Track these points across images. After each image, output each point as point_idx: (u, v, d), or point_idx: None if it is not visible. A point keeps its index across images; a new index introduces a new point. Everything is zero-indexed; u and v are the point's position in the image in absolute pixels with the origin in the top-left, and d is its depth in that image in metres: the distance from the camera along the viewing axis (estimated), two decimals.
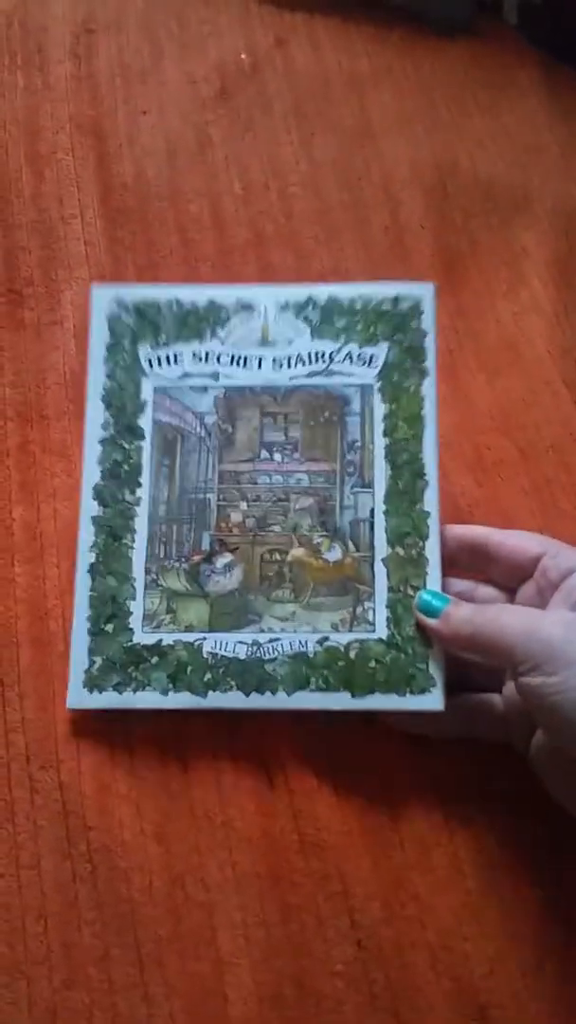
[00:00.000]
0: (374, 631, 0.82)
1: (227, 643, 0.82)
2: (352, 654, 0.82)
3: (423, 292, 0.91)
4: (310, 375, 0.88)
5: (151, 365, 0.90)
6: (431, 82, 0.96)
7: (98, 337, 0.90)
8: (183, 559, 0.85)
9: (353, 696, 0.80)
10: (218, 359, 0.89)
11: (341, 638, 0.82)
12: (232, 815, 0.71)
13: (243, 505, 0.86)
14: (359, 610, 0.83)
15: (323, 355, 0.88)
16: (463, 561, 0.86)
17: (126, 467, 0.87)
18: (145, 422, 0.88)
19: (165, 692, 0.81)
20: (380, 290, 0.91)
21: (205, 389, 0.89)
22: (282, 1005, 0.64)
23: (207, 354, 0.89)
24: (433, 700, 0.79)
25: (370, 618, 0.83)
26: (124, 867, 0.67)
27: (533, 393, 0.87)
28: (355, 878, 0.68)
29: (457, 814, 0.71)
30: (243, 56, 0.96)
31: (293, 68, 0.97)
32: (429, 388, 0.88)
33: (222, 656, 0.82)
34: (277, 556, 0.85)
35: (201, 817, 0.71)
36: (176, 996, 0.64)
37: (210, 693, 0.81)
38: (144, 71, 0.96)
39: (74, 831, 0.68)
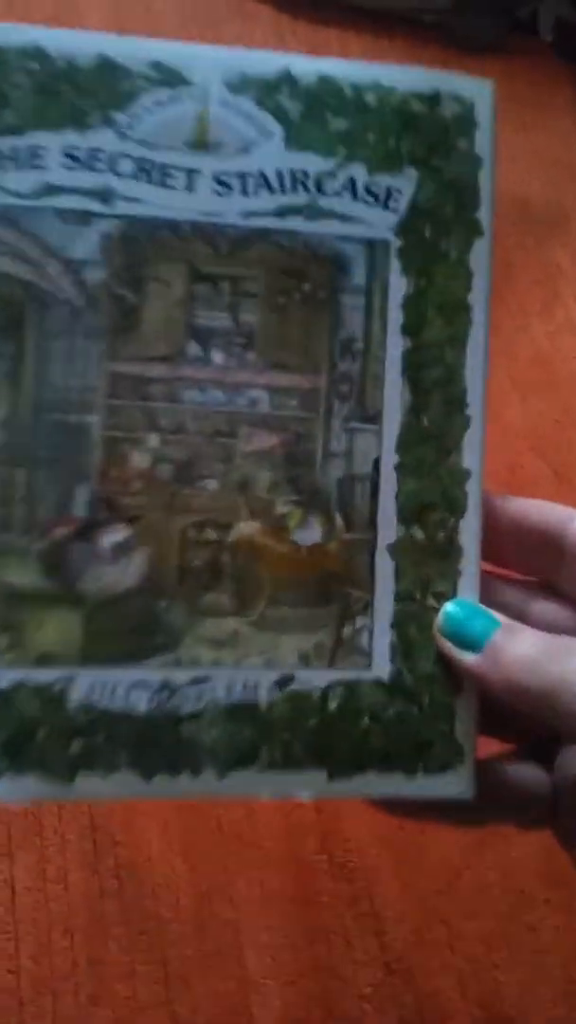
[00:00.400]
0: (370, 667, 0.50)
1: (115, 687, 0.49)
2: (333, 705, 0.50)
3: (477, 92, 0.56)
4: (280, 212, 0.53)
5: None
6: None
7: None
8: (35, 532, 0.50)
9: (332, 776, 0.50)
10: (113, 165, 0.52)
11: (315, 678, 0.50)
12: (260, 834, 0.70)
13: (152, 439, 0.52)
14: (347, 631, 0.51)
15: (305, 178, 0.53)
16: (517, 555, 0.55)
17: None
18: None
19: None
20: (409, 78, 0.55)
21: (87, 219, 0.52)
22: None
23: (94, 153, 0.52)
24: (458, 783, 0.51)
25: (364, 645, 0.50)
26: (151, 883, 0.67)
27: (567, 413, 0.88)
28: (384, 900, 0.68)
29: (486, 838, 0.70)
30: None
31: None
32: (482, 256, 0.55)
33: (104, 711, 0.49)
34: (211, 534, 0.52)
35: (229, 835, 0.70)
36: (202, 1015, 0.64)
37: (80, 777, 0.49)
38: None
39: (101, 846, 0.68)
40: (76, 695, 0.49)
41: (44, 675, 0.50)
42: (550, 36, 1.07)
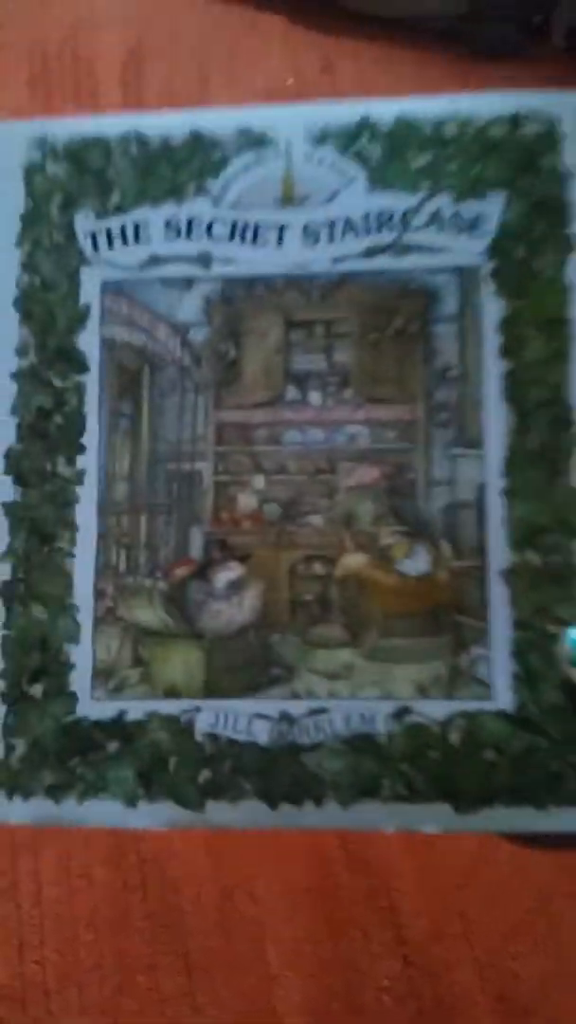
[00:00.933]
0: (491, 698, 0.50)
1: (237, 718, 0.51)
2: (455, 738, 0.50)
3: (562, 106, 0.54)
4: (368, 254, 0.53)
5: (95, 244, 0.54)
6: None
7: (7, 201, 0.56)
8: (158, 574, 0.53)
9: (459, 810, 0.50)
10: (209, 230, 0.54)
11: (434, 709, 0.50)
12: (281, 830, 0.66)
13: (258, 481, 0.53)
14: (464, 661, 0.51)
15: (391, 217, 0.54)
16: None
17: (58, 420, 0.54)
18: (88, 342, 0.54)
19: (132, 801, 0.51)
20: (488, 105, 0.54)
21: (189, 283, 0.54)
22: (330, 1020, 0.67)
23: (191, 222, 0.54)
24: None
25: (483, 675, 0.50)
26: (174, 878, 0.71)
27: None
28: (402, 894, 0.71)
29: (538, 851, 0.66)
30: (290, 81, 1.06)
31: (339, 93, 1.05)
32: None
33: (230, 740, 0.51)
34: (319, 568, 0.52)
35: (250, 832, 0.65)
36: (224, 1008, 0.67)
37: (209, 804, 0.51)
38: (192, 97, 1.05)
39: (125, 841, 0.71)
40: (202, 725, 0.51)
41: (172, 706, 0.51)
42: (563, 43, 1.06)
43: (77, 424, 0.53)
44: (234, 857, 0.71)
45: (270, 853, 0.71)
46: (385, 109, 0.54)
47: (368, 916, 0.69)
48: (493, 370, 0.53)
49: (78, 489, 0.52)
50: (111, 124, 0.56)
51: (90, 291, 0.55)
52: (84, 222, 0.55)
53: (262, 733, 0.50)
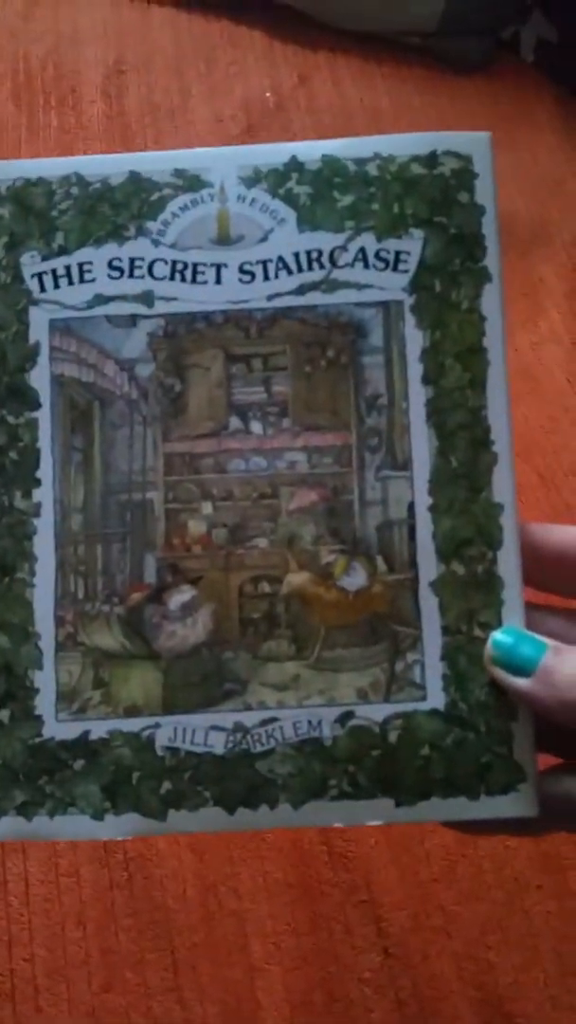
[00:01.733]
0: (425, 698, 0.53)
1: (194, 731, 0.54)
2: (393, 737, 0.53)
3: (475, 145, 0.58)
4: (300, 290, 0.58)
5: (42, 285, 0.58)
6: (450, 118, 1.02)
7: None
8: (115, 599, 0.56)
9: (399, 804, 0.52)
10: (151, 270, 0.58)
11: (373, 712, 0.53)
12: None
13: (206, 507, 0.57)
14: (400, 666, 0.54)
15: (320, 256, 0.58)
16: (561, 581, 0.57)
17: (12, 455, 0.57)
18: (39, 379, 0.57)
19: (99, 815, 0.54)
20: (407, 144, 0.58)
21: (133, 321, 0.58)
22: (312, 1011, 0.66)
23: (132, 262, 0.58)
24: (522, 802, 0.52)
25: (417, 678, 0.53)
26: (159, 875, 0.69)
27: (552, 420, 0.89)
28: (382, 888, 0.69)
29: (473, 835, 0.68)
30: (268, 94, 1.06)
31: (316, 105, 1.04)
32: (492, 301, 0.57)
33: (188, 753, 0.53)
34: (266, 587, 0.56)
35: (228, 831, 0.69)
36: (210, 1001, 0.66)
37: (171, 813, 0.54)
38: (173, 110, 1.04)
39: (111, 841, 0.69)
40: (162, 740, 0.53)
41: (132, 723, 0.54)
42: (532, 56, 1.06)
43: (31, 459, 0.56)
44: (217, 854, 0.70)
45: (253, 850, 0.70)
46: (312, 149, 0.57)
47: (349, 910, 0.68)
48: (417, 397, 0.56)
49: (35, 521, 0.55)
50: (52, 166, 0.58)
51: (39, 330, 0.57)
52: (30, 263, 0.57)
53: (218, 744, 0.52)
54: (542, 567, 0.55)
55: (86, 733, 0.53)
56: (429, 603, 0.53)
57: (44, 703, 0.55)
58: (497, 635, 0.50)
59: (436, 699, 0.52)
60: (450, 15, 1.12)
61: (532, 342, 0.93)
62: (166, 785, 0.53)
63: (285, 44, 1.09)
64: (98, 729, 0.54)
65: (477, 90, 1.07)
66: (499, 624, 0.51)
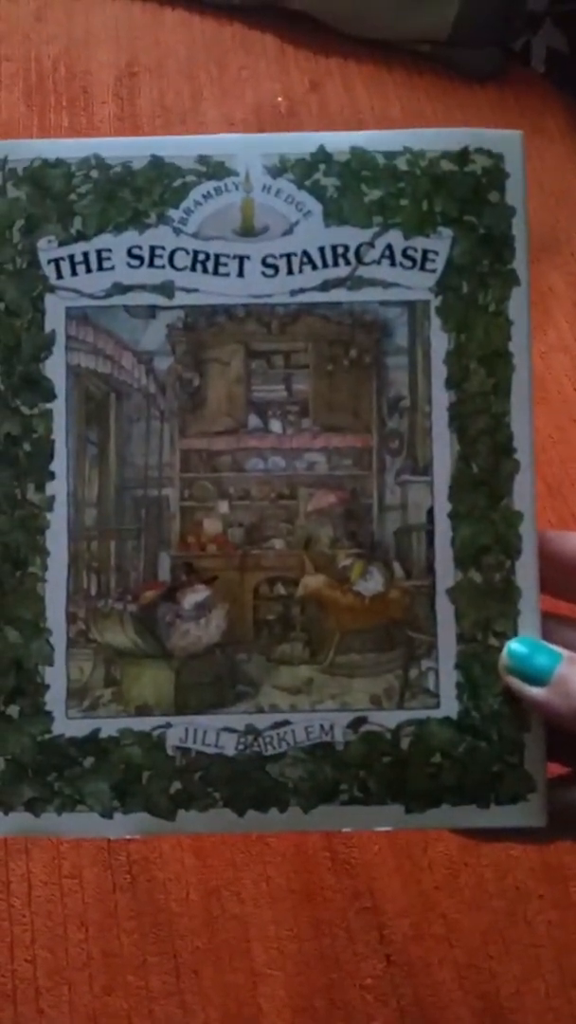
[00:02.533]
0: (438, 706, 0.52)
1: (205, 732, 0.52)
2: (405, 744, 0.52)
3: (507, 144, 0.55)
4: (325, 286, 0.55)
5: (59, 272, 0.55)
6: (460, 126, 0.89)
7: None
8: (128, 597, 0.55)
9: (409, 810, 0.52)
10: (171, 259, 0.55)
11: (386, 719, 0.52)
12: (267, 833, 0.68)
13: (223, 506, 0.56)
14: (414, 673, 0.53)
15: (346, 251, 0.56)
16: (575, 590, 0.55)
17: (26, 447, 0.55)
18: (54, 370, 0.55)
19: (108, 813, 0.53)
20: (438, 139, 0.55)
21: (152, 312, 0.56)
22: (314, 1017, 0.66)
23: (153, 251, 0.55)
24: (530, 812, 0.52)
25: (431, 686, 0.52)
26: (162, 878, 0.69)
27: (560, 430, 0.88)
28: (385, 896, 0.69)
29: (480, 841, 0.67)
30: (280, 99, 1.05)
31: (327, 111, 1.04)
32: (520, 305, 0.55)
33: (199, 753, 0.52)
34: (281, 589, 0.55)
35: (237, 832, 0.69)
36: (211, 1005, 0.66)
37: (180, 813, 0.52)
38: (184, 113, 1.04)
39: (114, 843, 0.69)
40: (173, 740, 0.52)
41: (143, 723, 0.53)
42: (542, 66, 1.06)
43: (45, 451, 0.54)
44: (221, 858, 0.69)
45: (256, 855, 0.69)
46: (340, 140, 0.55)
47: (352, 917, 0.68)
48: (440, 401, 0.54)
49: (48, 515, 0.53)
50: (72, 147, 0.55)
51: (55, 318, 0.55)
52: (47, 248, 0.55)
53: (229, 746, 0.51)
54: (559, 575, 0.54)
55: (96, 731, 0.52)
56: (445, 610, 0.52)
57: (54, 700, 0.54)
58: (512, 644, 0.50)
59: (449, 707, 0.51)
60: (462, 24, 1.11)
61: (540, 351, 0.93)
62: (176, 785, 0.52)
63: (297, 49, 1.09)
64: (108, 727, 0.53)
65: (488, 99, 1.07)
66: (514, 634, 0.50)
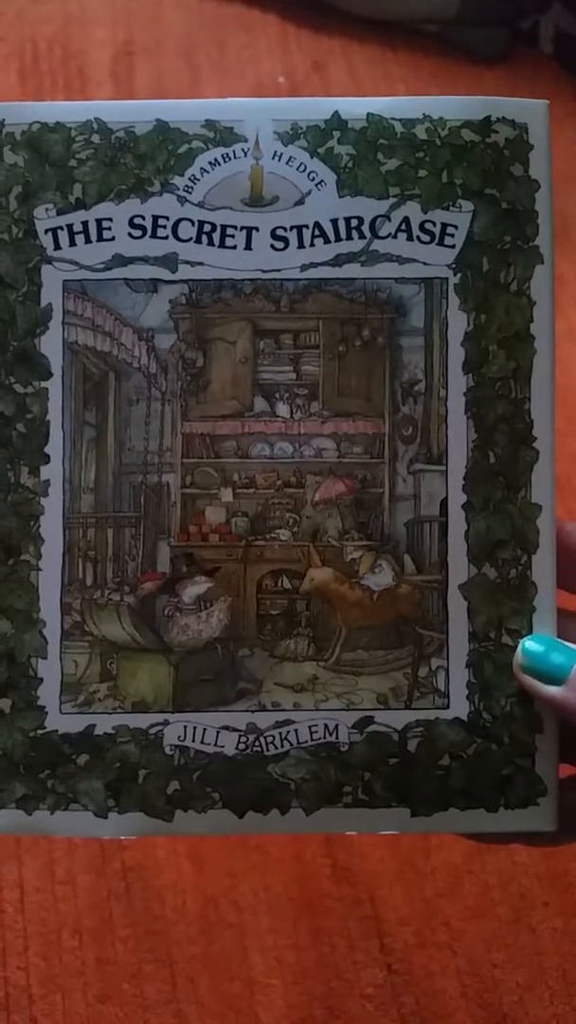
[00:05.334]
0: (448, 707, 0.50)
1: (205, 730, 0.50)
2: (412, 745, 0.50)
3: (532, 114, 0.52)
4: (337, 261, 0.52)
5: (57, 242, 0.52)
6: None
7: None
8: (125, 588, 0.52)
9: (415, 814, 0.50)
10: (175, 230, 0.52)
11: (393, 719, 0.50)
12: (265, 839, 0.68)
13: (226, 494, 0.53)
14: (423, 672, 0.51)
15: (360, 224, 0.52)
16: None
17: (20, 428, 0.52)
18: (50, 346, 0.52)
19: (103, 812, 0.51)
20: (459, 107, 0.51)
21: (154, 286, 0.52)
22: None
23: (156, 221, 0.52)
24: (541, 817, 0.50)
25: (440, 685, 0.50)
26: (158, 886, 0.67)
27: (570, 422, 0.82)
28: (386, 904, 0.67)
29: (488, 844, 0.67)
30: (281, 79, 1.01)
31: (330, 92, 0.99)
32: (543, 284, 0.52)
33: (197, 752, 0.50)
34: (286, 582, 0.52)
35: (235, 840, 0.68)
36: (208, 1014, 0.64)
37: (178, 814, 0.50)
38: (182, 93, 0.99)
39: (109, 849, 0.68)
40: (170, 738, 0.50)
41: (140, 719, 0.50)
42: (551, 47, 1.01)
43: (40, 433, 0.51)
44: (217, 866, 0.66)
45: (254, 862, 0.67)
46: (356, 107, 0.51)
47: (352, 925, 0.66)
48: (457, 385, 0.52)
49: (43, 500, 0.50)
50: (72, 111, 0.52)
51: (52, 291, 0.52)
52: (44, 216, 0.52)
53: (229, 745, 0.49)
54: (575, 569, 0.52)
55: (91, 727, 0.51)
56: (457, 607, 0.50)
57: (48, 694, 0.51)
58: (527, 643, 0.48)
59: (459, 708, 0.50)
60: (468, 3, 0.90)
61: None
62: (173, 785, 0.50)
63: (299, 29, 1.04)
64: (104, 724, 0.51)
65: (494, 80, 1.04)
66: (529, 632, 0.49)
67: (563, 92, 1.03)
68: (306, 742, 0.50)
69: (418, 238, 0.51)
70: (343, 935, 0.67)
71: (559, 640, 0.48)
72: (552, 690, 0.46)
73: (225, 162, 0.51)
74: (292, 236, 0.51)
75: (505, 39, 1.12)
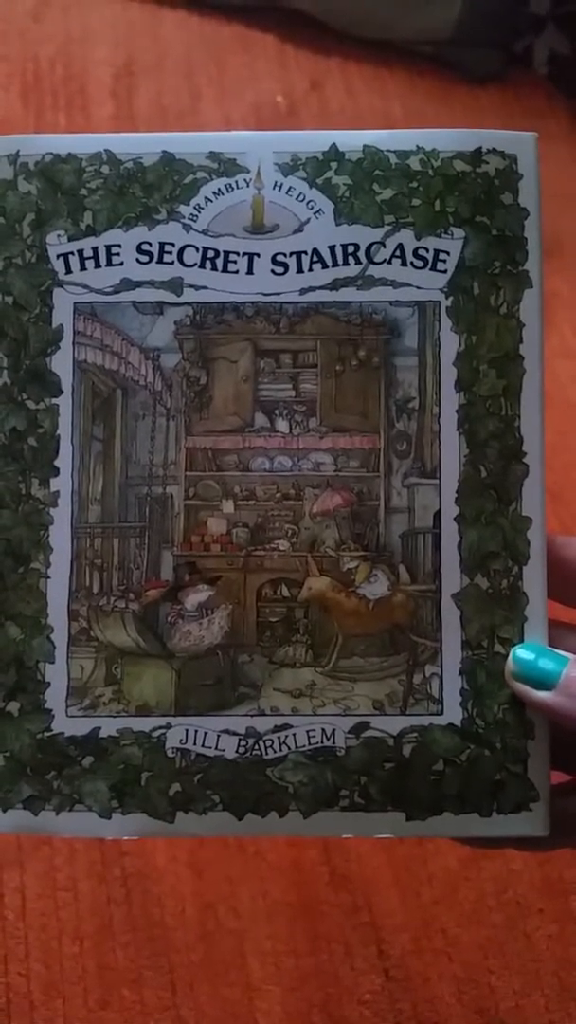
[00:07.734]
0: (442, 713, 0.53)
1: (206, 734, 0.53)
2: (407, 751, 0.52)
3: (520, 145, 0.56)
4: (334, 285, 0.56)
5: (68, 267, 0.56)
6: (463, 127, 0.86)
7: None
8: (130, 595, 0.55)
9: (410, 818, 0.52)
10: (181, 256, 0.56)
11: (389, 724, 0.53)
12: (264, 846, 0.69)
13: (227, 506, 0.57)
14: (417, 679, 0.53)
15: (356, 250, 0.56)
16: None
17: (31, 442, 0.56)
18: (61, 365, 0.56)
19: (107, 813, 0.53)
20: (450, 139, 0.56)
21: (160, 308, 0.56)
22: None
23: (162, 247, 0.56)
24: (533, 822, 0.52)
25: (435, 692, 0.53)
26: (157, 892, 0.70)
27: (562, 436, 0.88)
28: (383, 910, 0.70)
29: (484, 850, 0.69)
30: (279, 99, 1.06)
31: (327, 110, 1.04)
32: (532, 307, 0.56)
33: (198, 755, 0.52)
34: (284, 591, 0.55)
35: (233, 847, 0.70)
36: (207, 1020, 0.66)
37: (179, 815, 0.53)
38: (182, 112, 1.04)
39: (109, 856, 0.70)
40: (172, 741, 0.51)
41: (143, 723, 0.52)
42: (545, 68, 1.03)
43: (51, 446, 0.54)
44: (217, 872, 0.67)
45: (252, 869, 0.68)
46: (353, 139, 0.55)
47: (349, 931, 0.67)
48: (449, 403, 0.54)
49: (52, 511, 0.52)
50: (83, 142, 0.56)
51: (63, 313, 0.55)
52: (56, 242, 0.55)
53: (229, 748, 0.51)
54: (566, 581, 0.54)
55: (96, 730, 0.53)
56: (451, 616, 0.52)
57: (55, 697, 0.53)
58: (518, 651, 0.50)
59: (453, 714, 0.51)
60: (464, 25, 0.95)
61: (544, 356, 0.99)
62: (175, 787, 0.52)
63: (297, 49, 1.08)
64: (108, 727, 0.53)
65: (490, 101, 1.08)
66: (521, 641, 0.51)
67: (557, 112, 1.08)
68: (304, 746, 0.51)
69: (412, 264, 0.55)
70: (341, 941, 0.68)
71: (549, 648, 0.50)
72: (542, 695, 0.47)
73: (228, 192, 0.55)
74: (292, 262, 0.55)
75: (500, 60, 1.13)
